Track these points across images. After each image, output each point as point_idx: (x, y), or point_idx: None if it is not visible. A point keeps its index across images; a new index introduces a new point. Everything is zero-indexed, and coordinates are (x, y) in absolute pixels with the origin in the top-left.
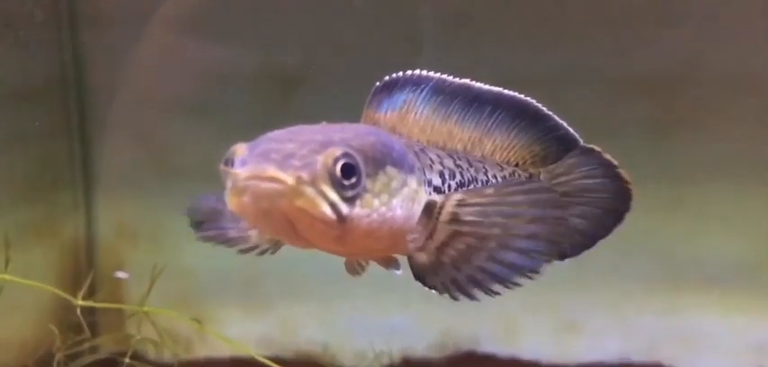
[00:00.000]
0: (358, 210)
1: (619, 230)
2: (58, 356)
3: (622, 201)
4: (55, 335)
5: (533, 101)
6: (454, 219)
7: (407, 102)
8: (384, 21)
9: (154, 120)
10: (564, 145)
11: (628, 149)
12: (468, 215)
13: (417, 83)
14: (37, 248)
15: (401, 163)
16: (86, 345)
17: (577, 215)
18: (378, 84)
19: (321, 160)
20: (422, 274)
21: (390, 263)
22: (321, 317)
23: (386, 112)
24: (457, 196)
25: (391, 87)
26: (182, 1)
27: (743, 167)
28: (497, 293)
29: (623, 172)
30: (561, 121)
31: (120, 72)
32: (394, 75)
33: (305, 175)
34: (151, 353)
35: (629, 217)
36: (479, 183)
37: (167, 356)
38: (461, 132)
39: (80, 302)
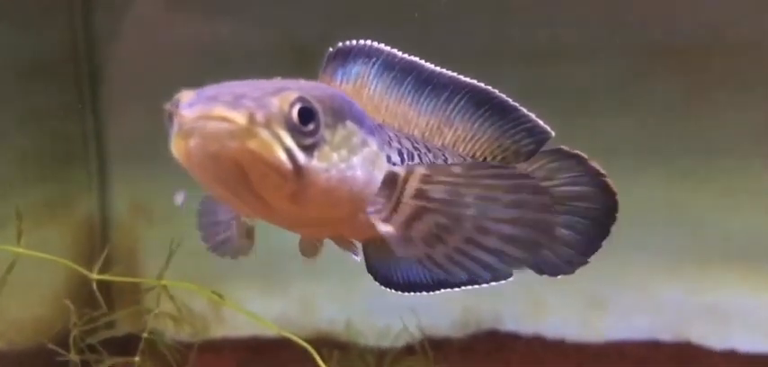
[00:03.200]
0: (315, 163)
1: (647, 204)
2: (74, 333)
3: (609, 215)
4: (71, 312)
5: (496, 91)
6: (420, 194)
7: (361, 74)
8: None
9: (168, 97)
10: (535, 138)
11: (655, 121)
12: (435, 193)
13: (368, 55)
14: (51, 227)
15: (361, 120)
16: (102, 321)
17: (563, 225)
18: (331, 50)
19: (277, 102)
20: (387, 248)
21: (348, 244)
22: (340, 296)
23: (341, 82)
24: (421, 170)
25: (344, 56)
26: None
27: None
28: (483, 279)
29: (610, 181)
30: (529, 113)
31: (133, 48)
32: (347, 43)
33: (259, 116)
34: (170, 330)
35: (657, 191)
36: None
37: (184, 335)
38: (417, 117)
39: (96, 276)
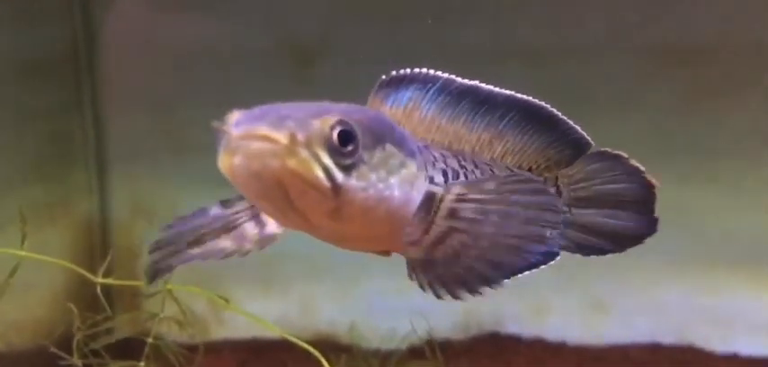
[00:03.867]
0: (354, 182)
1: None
2: (78, 336)
3: (648, 208)
4: (74, 315)
5: (547, 105)
6: (452, 214)
7: (413, 99)
8: None
9: (169, 96)
10: (576, 149)
11: (659, 121)
12: (466, 212)
13: (424, 81)
14: (50, 228)
15: (401, 143)
16: (105, 326)
17: (605, 216)
18: (384, 77)
19: (318, 124)
20: (413, 270)
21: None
22: (340, 298)
23: (391, 107)
24: (456, 189)
25: (398, 83)
26: None
27: None
28: (480, 294)
29: (651, 177)
30: (575, 125)
31: (133, 46)
32: (401, 71)
33: (300, 136)
34: (173, 333)
35: (659, 192)
36: None
37: (184, 338)
38: (469, 134)
39: (100, 280)
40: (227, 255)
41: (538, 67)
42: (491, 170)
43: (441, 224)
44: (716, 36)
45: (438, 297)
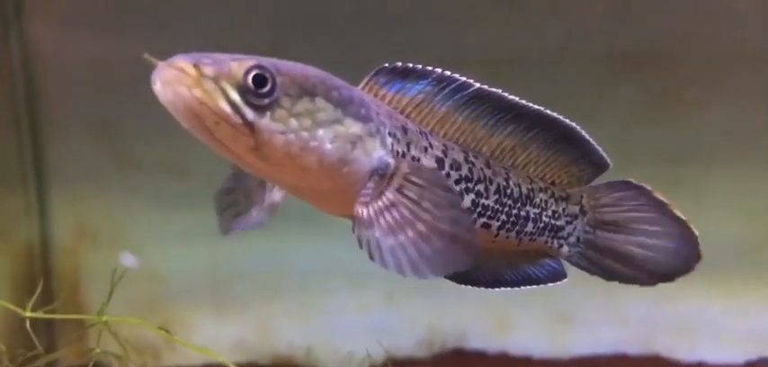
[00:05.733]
0: (266, 121)
1: None
2: None
3: (688, 245)
4: (1, 353)
5: (576, 125)
6: (400, 190)
7: (424, 92)
8: None
9: (113, 112)
10: (596, 168)
11: (619, 128)
12: (410, 191)
13: (440, 79)
14: None
15: (344, 104)
16: (41, 361)
17: (634, 245)
18: (385, 65)
19: (234, 66)
20: (356, 224)
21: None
22: (299, 318)
23: (395, 94)
24: (406, 168)
25: (405, 74)
26: None
27: (740, 145)
28: (404, 275)
29: (678, 211)
30: (597, 146)
31: (73, 64)
32: (409, 64)
33: (207, 70)
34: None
35: None
36: (493, 186)
37: None
38: (490, 137)
39: (29, 314)
40: (276, 207)
41: (496, 75)
42: (507, 175)
43: (390, 196)
44: (674, 42)
45: (371, 259)
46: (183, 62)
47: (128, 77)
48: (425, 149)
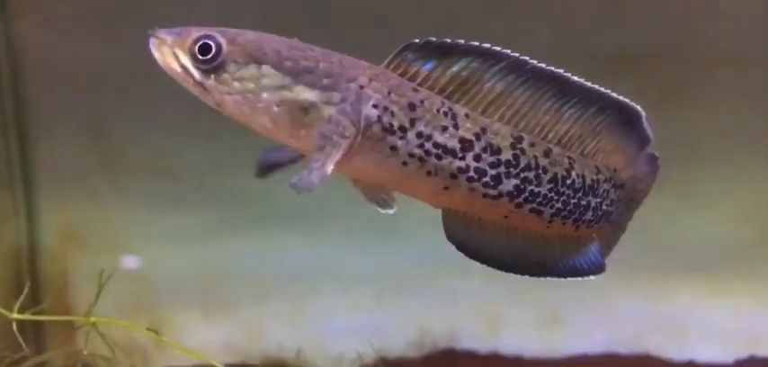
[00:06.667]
0: (212, 83)
1: None
2: None
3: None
4: None
5: (638, 106)
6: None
7: (471, 70)
8: None
9: (100, 114)
10: (641, 148)
11: None
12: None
13: (487, 57)
14: None
15: (297, 73)
16: (29, 363)
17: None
18: (418, 40)
19: (189, 35)
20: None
21: (374, 193)
22: (289, 319)
23: (431, 70)
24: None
25: (444, 50)
26: None
27: (730, 144)
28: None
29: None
30: (649, 128)
31: (61, 64)
32: (451, 41)
33: (169, 39)
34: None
35: None
36: (548, 175)
37: None
38: (556, 124)
39: (16, 316)
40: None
41: None
42: (570, 165)
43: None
44: (665, 42)
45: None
46: (162, 33)
47: (116, 78)
48: (444, 129)
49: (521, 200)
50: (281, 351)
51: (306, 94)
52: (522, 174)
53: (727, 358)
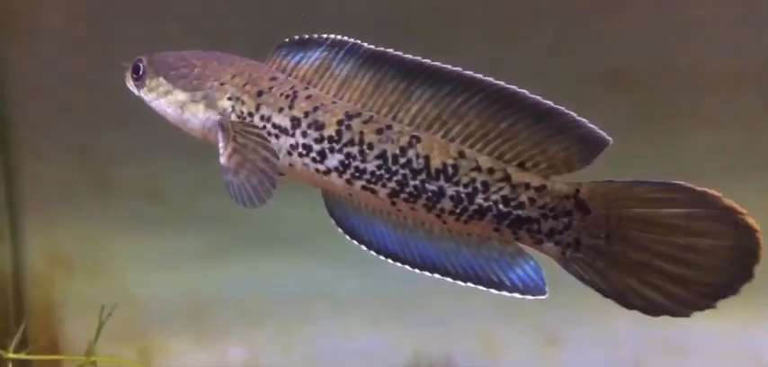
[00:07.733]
0: (142, 93)
1: None
2: None
3: (747, 253)
4: None
5: (527, 93)
6: (234, 138)
7: (322, 59)
8: None
9: (88, 135)
10: (588, 147)
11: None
12: (241, 138)
13: (333, 45)
14: None
15: (175, 79)
16: None
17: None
18: (286, 40)
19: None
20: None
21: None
22: (282, 344)
23: (297, 63)
24: (233, 122)
25: (304, 44)
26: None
27: (723, 164)
28: (246, 206)
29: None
30: (579, 118)
31: (46, 83)
32: (310, 35)
33: (126, 64)
34: None
35: None
36: (375, 151)
37: None
38: (406, 103)
39: (11, 355)
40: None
41: None
42: (410, 143)
43: (231, 145)
44: (656, 60)
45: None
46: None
47: (103, 100)
48: (281, 109)
49: (348, 175)
50: None
51: (180, 96)
52: (346, 150)
53: None
